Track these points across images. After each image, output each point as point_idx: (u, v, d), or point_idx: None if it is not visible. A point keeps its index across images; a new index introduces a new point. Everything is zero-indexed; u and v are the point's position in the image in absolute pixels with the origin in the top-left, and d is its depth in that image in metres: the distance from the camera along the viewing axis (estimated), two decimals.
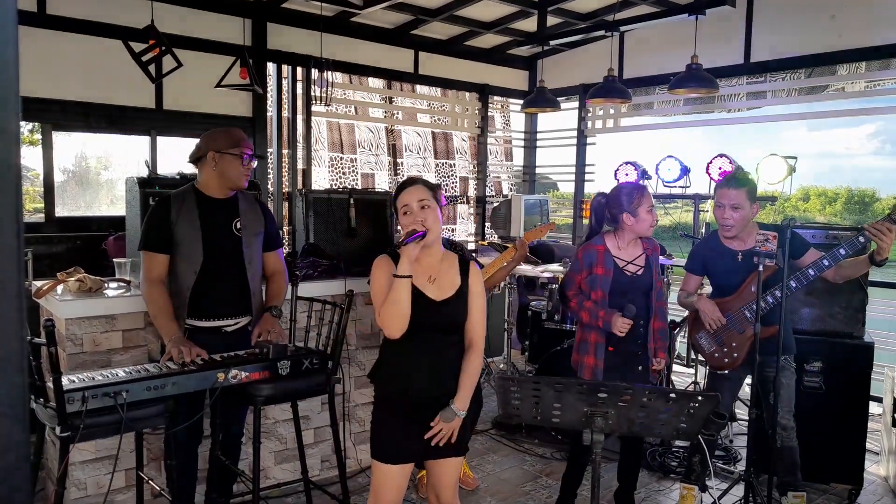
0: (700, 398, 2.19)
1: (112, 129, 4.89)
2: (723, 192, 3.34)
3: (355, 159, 6.15)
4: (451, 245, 3.93)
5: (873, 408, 4.21)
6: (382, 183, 6.30)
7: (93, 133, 4.94)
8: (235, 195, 3.05)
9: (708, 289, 3.74)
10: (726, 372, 3.49)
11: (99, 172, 6.13)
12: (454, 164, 6.87)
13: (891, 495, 3.92)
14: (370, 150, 6.29)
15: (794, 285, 3.21)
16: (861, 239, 3.09)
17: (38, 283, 3.27)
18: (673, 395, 2.19)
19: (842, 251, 3.11)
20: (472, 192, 7.03)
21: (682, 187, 5.75)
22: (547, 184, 8.22)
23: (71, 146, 5.22)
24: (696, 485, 3.65)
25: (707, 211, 5.91)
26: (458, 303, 2.43)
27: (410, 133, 6.62)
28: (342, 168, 6.05)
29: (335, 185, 5.97)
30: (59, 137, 4.75)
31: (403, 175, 6.52)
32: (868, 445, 3.93)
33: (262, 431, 3.34)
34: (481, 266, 4.01)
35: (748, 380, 3.50)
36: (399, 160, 6.51)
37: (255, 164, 3.08)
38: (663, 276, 3.45)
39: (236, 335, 3.00)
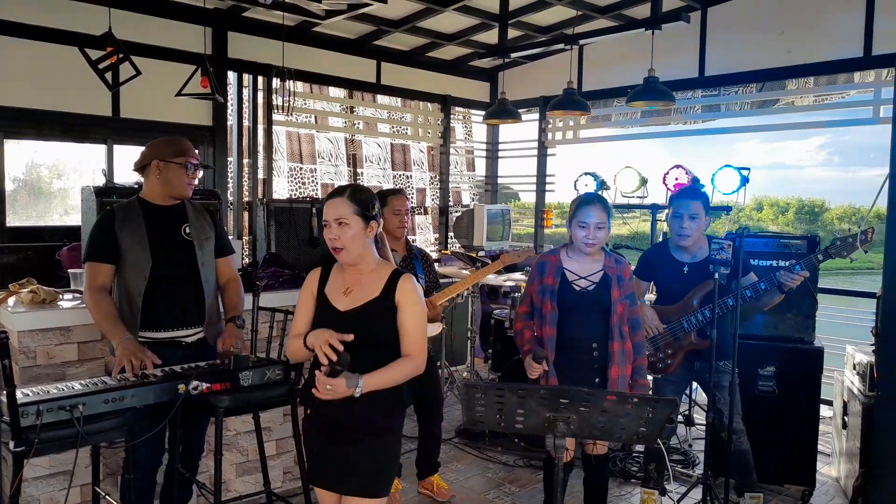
0: (657, 403, 2.24)
1: (66, 137, 4.79)
2: (680, 203, 3.44)
3: (315, 170, 6.12)
4: (420, 255, 3.94)
5: (824, 411, 4.35)
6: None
7: (46, 141, 4.82)
8: (182, 203, 3.03)
9: (652, 295, 3.85)
10: (660, 377, 3.60)
11: (52, 181, 5.98)
12: (411, 176, 6.89)
13: (842, 495, 4.04)
14: (329, 160, 6.28)
15: (730, 302, 3.34)
16: (763, 285, 3.37)
17: None
18: (633, 399, 2.24)
19: (762, 285, 3.37)
20: (429, 203, 7.05)
21: (640, 197, 5.86)
22: (509, 194, 8.29)
23: (22, 154, 5.08)
24: (655, 489, 3.72)
25: (663, 220, 6.05)
26: (370, 315, 2.28)
27: (371, 144, 6.63)
28: (301, 178, 6.02)
29: (294, 195, 5.94)
30: (10, 145, 4.63)
31: (363, 184, 6.51)
32: (820, 448, 4.05)
33: (224, 444, 3.29)
34: (437, 287, 4.00)
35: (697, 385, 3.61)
36: (359, 170, 6.51)
37: (200, 173, 3.07)
38: (634, 298, 3.15)
39: (196, 347, 2.96)
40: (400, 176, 6.81)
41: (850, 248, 3.28)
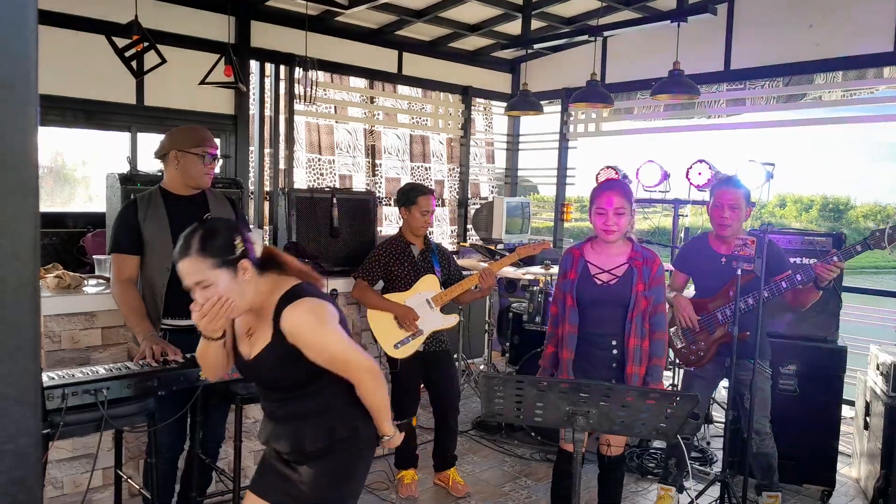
0: (678, 398, 2.23)
1: (91, 124, 4.83)
2: (721, 192, 3.38)
3: (333, 161, 6.13)
4: (437, 249, 3.94)
5: (845, 411, 4.30)
6: (360, 185, 6.29)
7: (71, 129, 4.88)
8: (203, 192, 3.04)
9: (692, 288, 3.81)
10: (692, 370, 3.56)
11: (76, 168, 6.06)
12: (430, 168, 6.87)
13: (862, 496, 4.00)
14: (348, 151, 6.28)
15: (766, 294, 3.28)
16: (799, 277, 3.24)
17: None
18: (653, 394, 2.22)
19: (798, 277, 3.23)
20: (447, 195, 7.04)
21: (662, 192, 5.82)
22: (528, 186, 8.27)
23: (48, 141, 5.15)
24: (673, 486, 3.70)
25: (687, 216, 5.99)
26: (273, 363, 1.99)
27: (390, 135, 6.62)
28: (320, 169, 6.03)
29: (313, 185, 5.96)
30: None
31: (381, 177, 6.52)
32: (840, 448, 4.00)
33: (243, 431, 3.32)
34: (460, 278, 3.98)
35: (724, 383, 3.56)
36: (378, 161, 6.51)
37: (218, 163, 3.08)
38: (662, 293, 3.01)
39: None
40: (418, 168, 6.80)
41: (891, 240, 3.18)
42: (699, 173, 5.47)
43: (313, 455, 2.06)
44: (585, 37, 5.55)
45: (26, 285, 0.49)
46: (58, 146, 5.52)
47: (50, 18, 4.46)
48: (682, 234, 5.78)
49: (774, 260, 3.32)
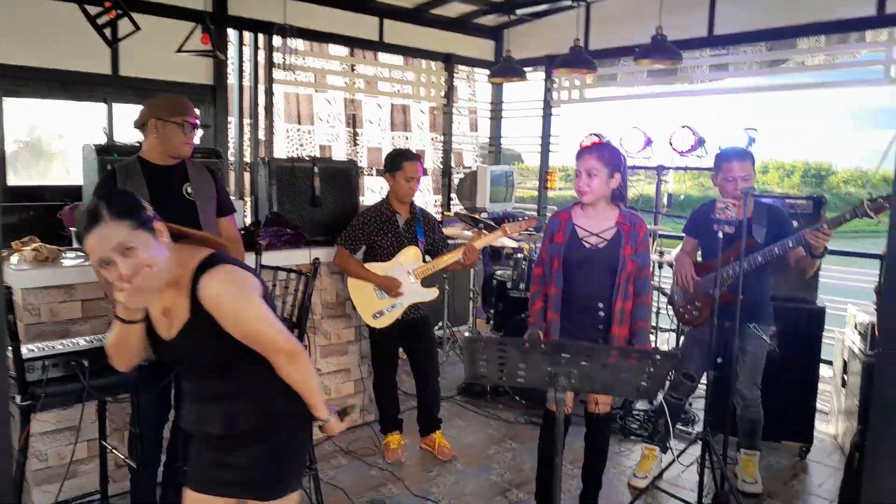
0: (659, 357, 2.25)
1: (66, 95, 4.74)
2: (730, 166, 3.35)
3: (312, 131, 6.08)
4: (423, 216, 3.92)
5: (823, 370, 4.37)
6: (340, 155, 6.25)
7: (46, 100, 4.78)
8: (183, 162, 3.01)
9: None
10: (690, 330, 3.62)
11: (52, 141, 5.96)
12: (410, 137, 6.83)
13: (839, 452, 4.09)
14: (327, 121, 6.22)
15: (759, 259, 3.32)
16: (790, 243, 3.26)
17: None
18: (634, 353, 2.25)
19: (789, 243, 3.25)
20: (430, 165, 7.01)
21: (646, 158, 5.82)
22: (512, 155, 8.23)
23: (23, 114, 5.05)
24: (657, 446, 3.77)
25: (669, 182, 6.01)
26: (192, 341, 1.86)
27: (371, 104, 6.56)
28: (299, 140, 5.98)
29: (293, 156, 5.91)
30: (9, 105, 4.59)
31: (362, 147, 6.47)
32: (818, 406, 4.08)
33: None
34: (445, 246, 3.99)
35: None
36: (359, 131, 6.46)
37: (199, 133, 3.04)
38: (647, 258, 3.06)
39: None
40: (399, 137, 6.75)
41: (879, 209, 3.19)
42: (682, 139, 5.47)
43: (250, 436, 1.94)
44: (569, 2, 5.50)
45: None
46: (33, 119, 5.41)
47: None
48: (665, 200, 5.81)
49: (778, 225, 3.34)
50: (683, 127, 5.47)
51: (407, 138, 6.81)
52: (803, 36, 5.28)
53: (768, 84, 5.67)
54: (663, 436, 3.74)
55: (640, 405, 4.64)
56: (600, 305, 2.97)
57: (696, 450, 3.54)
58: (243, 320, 1.83)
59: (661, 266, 5.20)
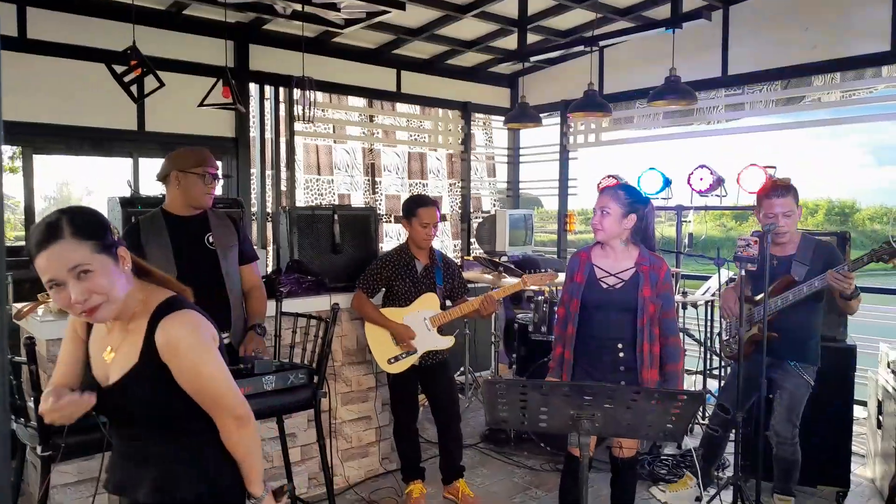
0: (685, 398, 2.20)
1: (94, 151, 4.88)
2: (771, 203, 3.32)
3: (332, 181, 6.17)
4: (442, 261, 3.92)
5: (858, 411, 4.24)
6: (359, 203, 6.32)
7: (74, 156, 4.92)
8: (205, 212, 3.05)
9: None
10: (733, 364, 3.56)
11: (81, 198, 6.12)
12: (427, 185, 6.90)
13: (878, 497, 3.93)
14: (346, 170, 6.32)
15: (791, 297, 3.28)
16: (816, 283, 3.23)
17: (19, 306, 3.24)
18: (657, 394, 2.20)
19: (815, 283, 3.23)
20: (448, 210, 7.05)
21: (665, 199, 5.81)
22: (530, 199, 8.26)
23: (52, 172, 5.21)
24: (695, 476, 3.68)
25: (690, 221, 5.98)
26: (136, 387, 1.65)
27: (389, 153, 6.66)
28: (319, 189, 6.07)
29: (312, 204, 5.99)
30: (39, 162, 4.73)
31: (381, 194, 6.54)
32: (854, 448, 3.95)
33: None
34: (465, 291, 3.97)
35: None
36: (377, 179, 6.54)
37: (219, 183, 3.10)
38: (670, 298, 3.01)
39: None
40: (416, 185, 6.83)
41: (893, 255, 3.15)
42: (700, 178, 5.48)
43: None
44: (582, 48, 5.59)
45: None
46: (62, 175, 5.59)
47: (51, 49, 4.53)
48: (686, 241, 5.77)
49: (825, 263, 3.27)
50: (701, 167, 5.48)
51: (424, 185, 6.88)
52: (818, 73, 5.29)
53: (785, 122, 5.67)
54: (702, 469, 3.65)
55: (669, 449, 4.52)
56: (619, 346, 2.93)
57: (727, 495, 3.43)
58: (200, 373, 1.66)
59: (685, 307, 5.14)
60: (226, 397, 1.71)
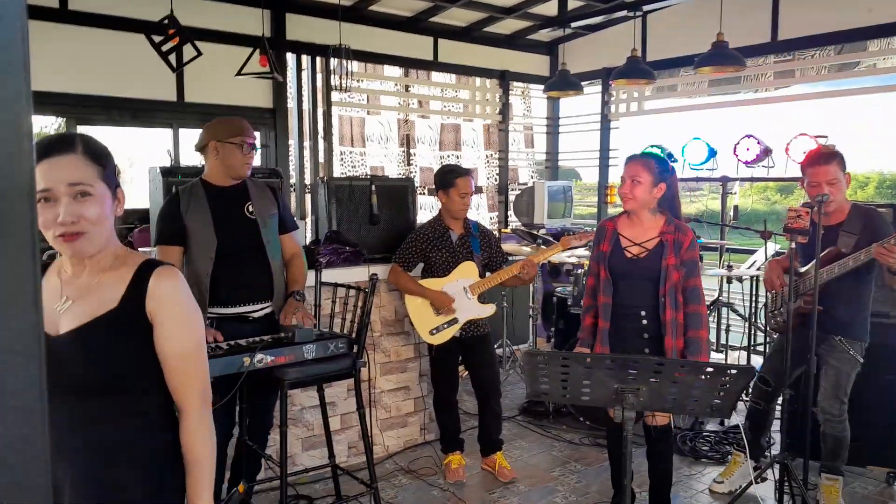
0: (733, 372, 2.14)
1: (135, 122, 4.92)
2: (815, 171, 3.18)
3: (364, 152, 6.14)
4: (478, 231, 3.88)
5: None
6: (392, 174, 6.28)
7: (116, 127, 4.97)
8: (244, 182, 3.05)
9: None
10: (777, 336, 3.48)
11: (122, 168, 6.18)
12: (460, 156, 6.82)
13: None
14: (379, 142, 6.28)
15: (836, 270, 3.16)
16: (862, 256, 3.07)
17: None
18: (708, 368, 2.13)
19: (861, 255, 3.07)
20: (484, 182, 6.97)
21: (710, 170, 5.66)
22: (567, 171, 8.13)
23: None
24: (741, 451, 3.62)
25: (735, 193, 5.82)
26: (100, 338, 1.44)
27: (423, 124, 6.60)
28: (352, 161, 6.05)
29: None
30: (81, 132, 4.79)
31: (416, 166, 6.49)
32: None
33: (289, 418, 3.34)
34: (504, 262, 3.93)
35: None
36: (412, 151, 6.49)
37: (256, 152, 3.09)
38: (695, 267, 2.96)
39: (262, 322, 3.00)
40: (450, 156, 6.76)
41: None
42: (747, 149, 5.31)
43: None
44: (624, 13, 5.41)
45: (24, 229, 0.47)
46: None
47: (92, 20, 4.55)
48: (732, 213, 5.62)
49: (871, 232, 3.12)
50: (748, 136, 5.30)
51: (458, 157, 6.81)
52: (874, 38, 5.05)
53: (838, 89, 5.44)
54: (750, 442, 3.58)
55: (711, 425, 4.45)
56: (643, 314, 2.94)
57: (774, 474, 3.36)
58: (191, 332, 1.52)
59: (730, 281, 5.02)
60: (202, 370, 1.54)
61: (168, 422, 1.55)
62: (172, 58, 4.03)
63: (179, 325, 1.50)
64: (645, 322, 2.94)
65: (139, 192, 5.48)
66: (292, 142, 5.59)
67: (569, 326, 4.86)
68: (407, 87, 6.38)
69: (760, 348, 5.25)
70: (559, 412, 4.68)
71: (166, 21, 3.84)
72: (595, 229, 3.24)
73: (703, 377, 2.15)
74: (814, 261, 3.10)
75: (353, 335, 3.13)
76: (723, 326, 5.50)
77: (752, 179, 5.74)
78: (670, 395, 2.20)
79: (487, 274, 3.88)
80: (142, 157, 5.60)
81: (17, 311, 0.46)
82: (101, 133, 5.14)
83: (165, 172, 3.58)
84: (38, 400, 0.48)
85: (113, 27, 4.61)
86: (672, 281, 2.88)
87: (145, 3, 4.60)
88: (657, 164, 2.93)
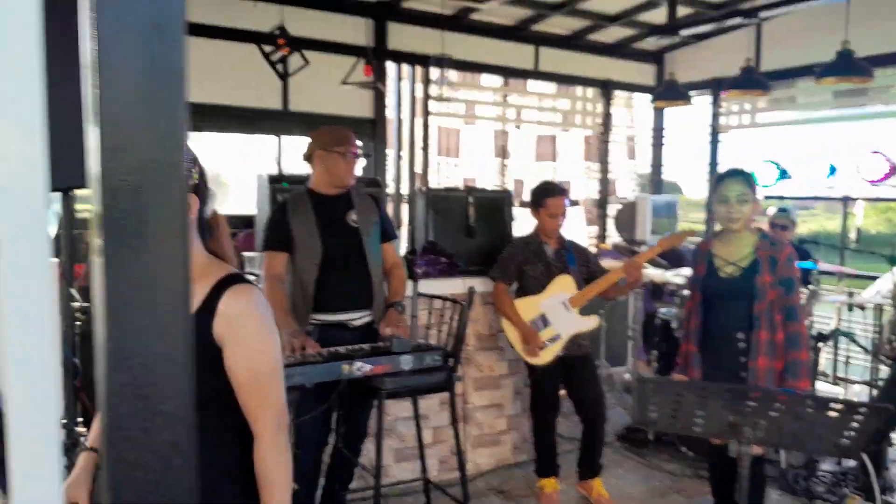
0: (866, 410, 1.93)
1: (241, 129, 5.08)
2: None
3: (458, 163, 6.13)
4: (573, 248, 3.76)
5: None
6: (487, 186, 6.22)
7: (225, 133, 5.16)
8: (348, 191, 3.07)
9: None
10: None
11: (228, 173, 6.43)
12: (555, 168, 6.69)
13: None
14: (474, 152, 6.25)
15: None
16: None
17: None
18: (836, 405, 1.94)
19: None
20: (581, 195, 6.80)
21: (829, 188, 5.28)
22: (669, 185, 7.83)
23: (203, 148, 5.49)
24: (860, 494, 3.33)
25: (855, 215, 5.41)
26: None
27: (517, 135, 6.52)
28: (447, 172, 6.05)
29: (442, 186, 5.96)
30: (191, 139, 4.99)
31: (509, 178, 6.41)
32: None
33: (384, 428, 3.32)
34: None
35: None
36: (506, 162, 6.42)
37: (360, 162, 3.11)
38: (793, 284, 2.81)
39: (362, 330, 3.00)
40: (545, 167, 6.65)
41: None
42: (874, 166, 4.92)
43: None
44: (740, 20, 5.14)
45: (177, 235, 0.48)
46: (211, 153, 5.87)
47: (203, 31, 4.72)
48: (854, 236, 5.21)
49: None
50: (875, 153, 4.92)
51: (554, 169, 6.69)
52: None
53: None
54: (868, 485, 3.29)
55: (827, 465, 4.11)
56: (740, 336, 2.81)
57: None
58: (264, 354, 1.46)
59: (850, 309, 4.64)
60: (276, 394, 1.46)
61: (236, 441, 1.49)
62: (280, 67, 4.14)
63: (249, 348, 1.44)
64: (742, 345, 2.80)
65: (243, 197, 5.68)
66: (390, 151, 5.63)
67: (673, 350, 4.63)
68: (505, 97, 6.31)
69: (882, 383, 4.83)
70: (659, 440, 4.44)
71: (277, 31, 3.94)
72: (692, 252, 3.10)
73: (830, 414, 1.96)
74: None
75: (449, 348, 3.08)
76: (841, 358, 5.09)
77: (877, 200, 5.32)
78: (791, 430, 2.02)
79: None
80: (247, 162, 5.81)
81: (172, 318, 0.47)
82: (209, 139, 5.35)
83: (272, 180, 3.67)
84: (186, 407, 0.49)
85: (222, 37, 4.77)
86: (768, 300, 2.76)
87: (256, 15, 4.76)
88: (751, 181, 2.87)
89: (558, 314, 3.61)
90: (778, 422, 1.99)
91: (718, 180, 2.91)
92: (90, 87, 0.45)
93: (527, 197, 3.92)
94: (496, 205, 4.37)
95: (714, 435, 2.11)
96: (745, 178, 2.84)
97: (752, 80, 4.65)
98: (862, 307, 4.67)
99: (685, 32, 5.57)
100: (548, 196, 3.66)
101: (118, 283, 0.46)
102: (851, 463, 3.70)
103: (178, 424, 0.49)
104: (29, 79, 0.53)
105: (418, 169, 5.74)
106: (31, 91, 0.53)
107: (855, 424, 1.95)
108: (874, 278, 4.87)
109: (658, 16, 5.61)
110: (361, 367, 2.62)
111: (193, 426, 0.49)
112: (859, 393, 4.96)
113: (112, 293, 0.45)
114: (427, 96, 5.62)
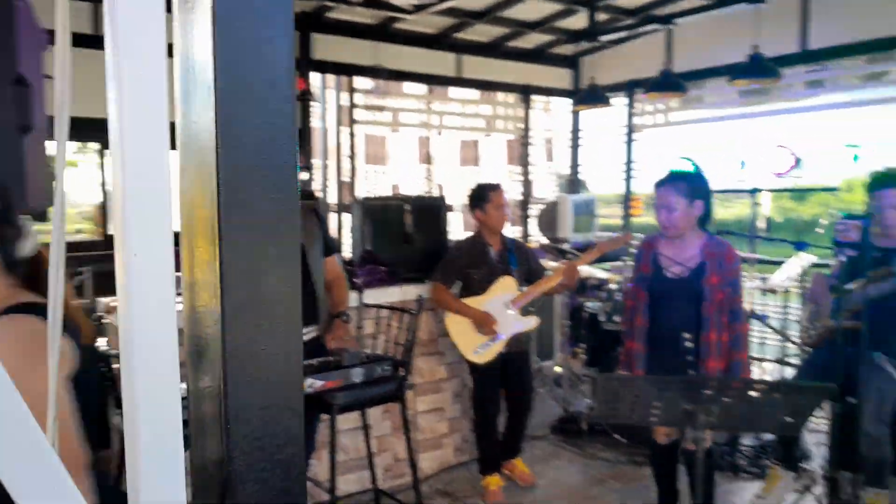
0: (810, 390, 2.08)
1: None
2: (885, 193, 3.11)
3: (385, 171, 6.14)
4: (514, 247, 3.85)
5: None
6: (412, 192, 6.26)
7: None
8: None
9: None
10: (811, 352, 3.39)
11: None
12: (479, 172, 6.81)
13: None
14: (399, 160, 6.28)
15: (886, 288, 3.07)
16: None
17: (105, 300, 3.25)
18: (784, 387, 2.08)
19: None
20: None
21: (739, 181, 5.61)
22: (583, 184, 8.08)
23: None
24: (778, 464, 3.53)
25: (760, 204, 5.75)
26: None
27: (442, 141, 6.60)
28: (374, 179, 6.05)
29: (369, 195, 5.95)
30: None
31: (434, 184, 6.47)
32: None
33: (325, 442, 3.27)
34: (542, 276, 3.88)
35: None
36: (431, 168, 6.48)
37: (302, 176, 3.07)
38: (738, 285, 2.89)
39: (310, 345, 2.96)
40: (469, 172, 6.75)
41: None
42: (779, 160, 5.26)
43: None
44: (655, 26, 5.37)
45: (295, 301, 0.53)
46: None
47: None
48: (764, 225, 5.55)
49: None
50: (780, 147, 5.26)
51: (478, 173, 6.80)
52: None
53: (869, 98, 5.38)
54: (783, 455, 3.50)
55: (747, 439, 4.35)
56: (686, 336, 2.81)
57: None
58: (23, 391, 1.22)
59: (764, 293, 4.94)
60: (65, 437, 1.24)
61: None
62: None
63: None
64: (688, 344, 2.81)
65: None
66: (316, 161, 5.57)
67: (601, 343, 4.78)
68: (429, 104, 6.36)
69: (793, 361, 5.16)
70: (593, 430, 4.56)
71: None
72: (635, 251, 3.17)
73: (777, 396, 2.10)
74: (863, 278, 3.03)
75: (396, 357, 3.09)
76: (755, 340, 5.40)
77: (781, 191, 5.69)
78: (743, 414, 2.15)
79: (524, 287, 3.84)
80: None
81: (288, 367, 0.49)
82: None
83: None
84: (299, 455, 0.51)
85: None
86: (716, 302, 2.77)
87: None
88: (688, 184, 2.83)
89: (501, 315, 3.68)
90: (729, 407, 2.11)
91: (654, 187, 2.91)
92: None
93: (452, 201, 4.00)
94: (433, 211, 4.39)
95: (670, 423, 2.21)
96: (676, 183, 2.83)
97: (671, 83, 4.88)
98: (774, 291, 4.98)
99: (604, 38, 5.78)
100: (490, 190, 3.77)
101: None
102: (769, 436, 3.94)
103: (292, 472, 0.50)
104: None
105: (346, 178, 5.69)
106: None
107: (800, 404, 2.09)
108: (777, 263, 5.19)
109: (576, 22, 5.80)
110: (313, 384, 2.59)
111: (305, 473, 0.52)
112: (772, 371, 5.29)
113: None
114: (353, 105, 5.59)
